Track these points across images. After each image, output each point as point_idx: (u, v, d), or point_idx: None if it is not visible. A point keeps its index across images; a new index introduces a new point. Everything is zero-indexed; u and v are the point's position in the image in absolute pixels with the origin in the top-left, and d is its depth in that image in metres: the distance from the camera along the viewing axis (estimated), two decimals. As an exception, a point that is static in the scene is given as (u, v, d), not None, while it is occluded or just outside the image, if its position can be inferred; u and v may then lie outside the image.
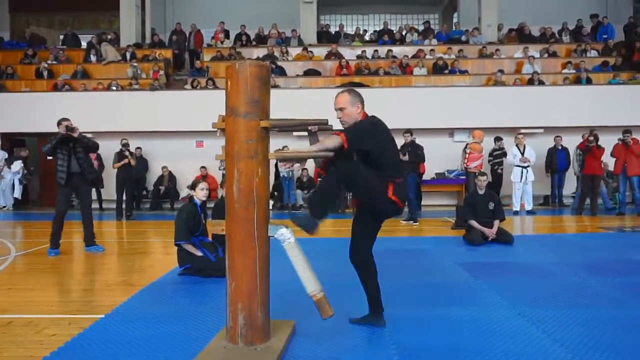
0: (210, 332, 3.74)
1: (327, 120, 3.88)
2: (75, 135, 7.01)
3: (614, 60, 15.17)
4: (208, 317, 4.17)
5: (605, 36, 16.45)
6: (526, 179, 11.63)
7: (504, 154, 12.56)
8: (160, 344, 3.62)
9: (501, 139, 12.64)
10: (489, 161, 12.60)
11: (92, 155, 12.74)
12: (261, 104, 3.32)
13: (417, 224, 10.06)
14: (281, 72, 14.81)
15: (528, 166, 11.64)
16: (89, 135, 12.93)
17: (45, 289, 5.45)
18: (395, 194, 3.64)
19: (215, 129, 3.48)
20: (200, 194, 5.86)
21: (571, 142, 12.56)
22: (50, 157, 7.36)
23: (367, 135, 3.57)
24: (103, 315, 4.24)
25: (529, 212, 11.46)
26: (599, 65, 14.95)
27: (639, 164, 11.06)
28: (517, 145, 11.81)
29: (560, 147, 12.58)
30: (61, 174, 7.06)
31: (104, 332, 3.84)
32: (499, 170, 12.55)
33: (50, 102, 13.04)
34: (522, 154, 11.67)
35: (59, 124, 7.00)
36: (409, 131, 10.48)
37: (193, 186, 5.95)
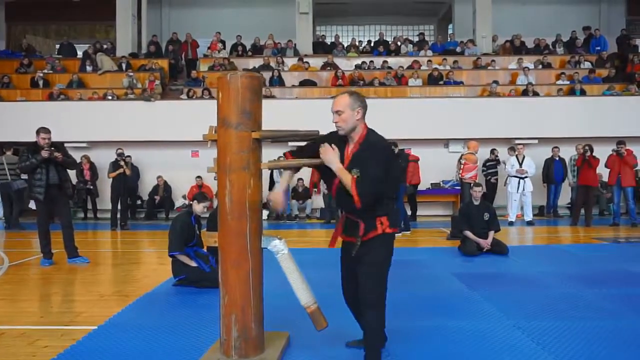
0: (204, 344, 3.72)
1: (317, 131, 3.77)
2: (59, 160, 6.80)
3: (608, 71, 15.28)
4: (202, 328, 4.15)
5: (598, 48, 16.59)
6: (524, 189, 11.62)
7: (497, 164, 12.62)
8: (154, 356, 3.60)
9: (496, 151, 12.70)
10: (483, 171, 12.65)
11: (86, 165, 12.89)
12: (253, 115, 3.32)
13: (410, 232, 10.04)
14: (280, 82, 14.85)
15: (525, 177, 11.64)
16: (83, 145, 13.17)
17: (38, 300, 5.42)
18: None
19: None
20: (199, 209, 5.84)
21: (565, 153, 12.61)
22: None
23: (381, 178, 3.18)
24: (96, 327, 4.21)
25: (529, 223, 11.43)
26: (587, 75, 15.02)
27: (633, 175, 11.13)
28: (516, 156, 11.83)
29: (557, 158, 12.62)
30: (39, 189, 6.78)
31: (97, 344, 3.82)
32: (492, 180, 12.59)
33: (45, 112, 13.01)
34: (521, 164, 11.68)
35: (37, 133, 6.79)
36: (394, 143, 10.10)
37: (198, 199, 5.91)
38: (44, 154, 6.68)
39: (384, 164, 3.20)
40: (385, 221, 3.30)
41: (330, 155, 3.26)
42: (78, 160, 12.51)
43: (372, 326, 3.25)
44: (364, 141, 3.26)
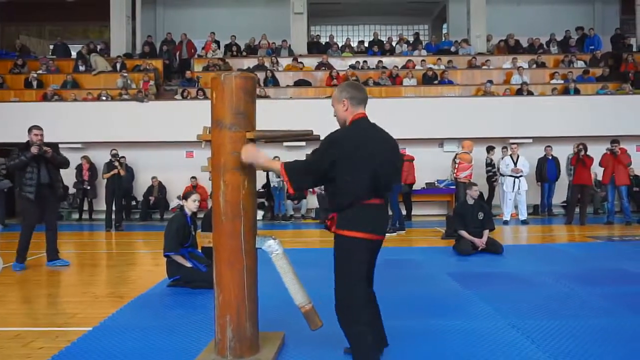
0: (199, 345, 3.72)
1: (311, 130, 3.76)
2: (48, 156, 6.66)
3: (602, 70, 15.33)
4: (197, 329, 4.14)
5: (592, 47, 16.65)
6: (519, 188, 11.64)
7: (493, 164, 12.67)
8: (149, 356, 3.59)
9: (492, 153, 12.73)
10: (488, 172, 12.70)
11: (85, 166, 12.88)
12: (247, 115, 3.32)
13: (404, 232, 10.05)
14: (275, 82, 14.84)
15: (520, 176, 11.67)
16: (77, 145, 13.12)
17: (32, 302, 5.40)
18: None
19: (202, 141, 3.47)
20: (191, 205, 5.85)
21: (560, 152, 12.65)
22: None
23: (317, 164, 3.05)
24: (91, 328, 4.20)
25: (524, 222, 11.45)
26: (581, 75, 15.07)
27: (627, 174, 11.17)
28: (510, 155, 11.86)
29: (550, 157, 12.66)
30: (30, 188, 6.63)
31: (91, 345, 3.80)
32: (499, 182, 12.59)
33: (39, 112, 12.92)
34: (515, 164, 11.71)
35: (29, 131, 6.69)
36: None
37: (185, 197, 5.93)
38: (34, 150, 6.55)
39: (322, 151, 3.04)
40: (335, 219, 3.10)
41: (250, 154, 3.22)
42: (79, 162, 12.63)
43: (349, 341, 3.11)
44: None
